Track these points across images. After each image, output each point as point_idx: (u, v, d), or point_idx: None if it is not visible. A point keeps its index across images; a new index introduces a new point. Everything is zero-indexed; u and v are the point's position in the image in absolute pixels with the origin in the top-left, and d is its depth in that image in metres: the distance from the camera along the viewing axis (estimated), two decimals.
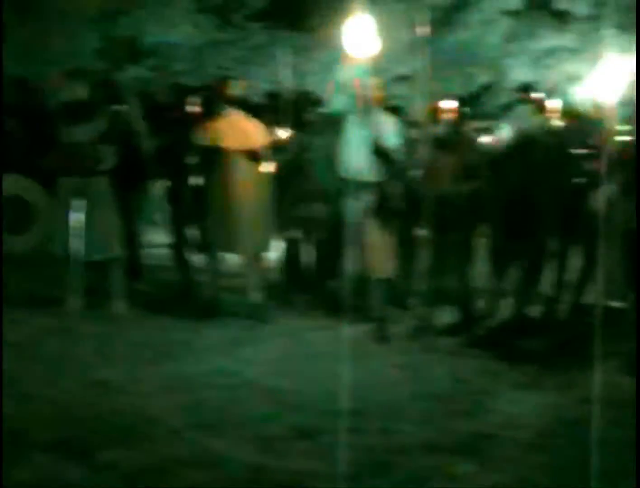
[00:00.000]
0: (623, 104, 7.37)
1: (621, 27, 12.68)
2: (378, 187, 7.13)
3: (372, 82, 7.09)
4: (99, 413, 5.21)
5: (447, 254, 7.30)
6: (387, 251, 7.29)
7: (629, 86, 7.21)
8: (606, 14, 12.43)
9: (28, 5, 11.56)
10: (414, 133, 7.54)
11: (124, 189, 7.68)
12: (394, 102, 7.81)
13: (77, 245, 7.26)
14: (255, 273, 7.77)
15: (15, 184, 9.64)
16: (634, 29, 12.34)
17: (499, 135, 8.13)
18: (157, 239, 9.25)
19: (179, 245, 8.27)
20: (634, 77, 7.57)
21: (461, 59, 12.80)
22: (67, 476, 4.36)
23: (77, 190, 7.34)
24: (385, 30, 6.30)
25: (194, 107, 8.18)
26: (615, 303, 7.75)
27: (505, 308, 7.52)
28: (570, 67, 12.53)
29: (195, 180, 7.88)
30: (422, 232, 7.17)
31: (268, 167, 7.71)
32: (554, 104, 7.99)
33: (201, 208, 7.75)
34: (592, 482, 4.37)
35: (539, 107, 7.55)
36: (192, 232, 8.15)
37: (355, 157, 7.10)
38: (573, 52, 13.18)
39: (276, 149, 7.78)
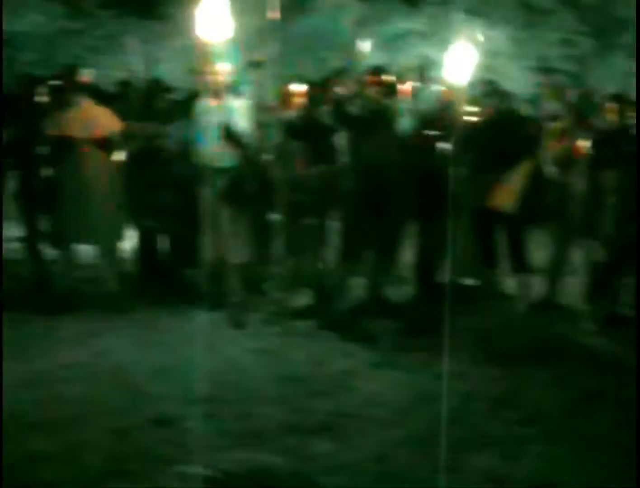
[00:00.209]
0: (472, 85, 7.55)
1: (470, 12, 13.08)
2: (230, 172, 7.13)
3: (224, 67, 7.07)
4: None
5: (301, 238, 7.37)
6: (242, 236, 7.30)
7: (476, 68, 7.38)
8: None
9: None
10: (265, 118, 7.56)
11: None
12: (245, 87, 7.80)
13: None
14: (110, 263, 7.69)
15: None
16: (482, 14, 12.78)
17: None
18: (8, 233, 8.99)
19: (32, 238, 8.06)
20: (480, 60, 7.75)
21: (314, 44, 12.92)
22: None
23: None
24: (239, 15, 6.28)
25: (43, 97, 7.99)
26: (468, 281, 8.00)
27: (361, 289, 7.62)
28: (421, 50, 12.78)
29: (46, 171, 7.70)
30: (275, 217, 7.22)
31: (120, 155, 7.62)
32: (405, 86, 8.13)
33: (53, 199, 7.58)
34: (442, 453, 4.52)
35: (390, 89, 7.64)
36: (45, 224, 7.96)
37: (208, 143, 7.08)
38: (423, 35, 13.45)
39: (128, 137, 7.68)
